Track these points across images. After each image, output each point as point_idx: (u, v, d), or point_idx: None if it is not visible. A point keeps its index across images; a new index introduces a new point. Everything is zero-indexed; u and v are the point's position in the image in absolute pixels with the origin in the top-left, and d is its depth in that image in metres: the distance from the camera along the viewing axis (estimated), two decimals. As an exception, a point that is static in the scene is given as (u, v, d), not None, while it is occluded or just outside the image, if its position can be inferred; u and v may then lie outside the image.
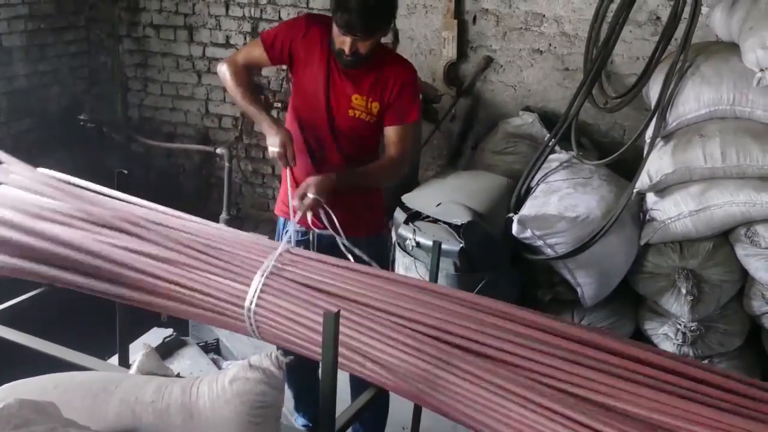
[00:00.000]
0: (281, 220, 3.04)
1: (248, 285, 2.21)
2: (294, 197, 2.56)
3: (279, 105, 5.17)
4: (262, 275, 2.21)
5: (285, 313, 2.18)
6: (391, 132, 2.81)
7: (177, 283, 2.32)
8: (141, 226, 2.46)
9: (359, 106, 2.76)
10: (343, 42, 2.60)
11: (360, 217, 2.82)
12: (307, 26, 2.79)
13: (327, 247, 2.66)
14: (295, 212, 2.57)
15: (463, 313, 2.10)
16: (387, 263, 3.19)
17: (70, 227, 2.47)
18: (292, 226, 2.58)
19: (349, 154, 2.82)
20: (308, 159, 2.86)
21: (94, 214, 2.51)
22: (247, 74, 2.89)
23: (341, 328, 2.00)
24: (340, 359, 2.00)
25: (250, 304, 2.19)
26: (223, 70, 2.87)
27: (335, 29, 2.60)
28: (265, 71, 5.22)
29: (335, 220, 2.50)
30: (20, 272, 2.58)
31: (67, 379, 1.87)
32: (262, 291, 2.19)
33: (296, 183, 2.71)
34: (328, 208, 2.53)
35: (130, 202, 2.66)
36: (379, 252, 3.01)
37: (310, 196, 2.53)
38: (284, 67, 5.11)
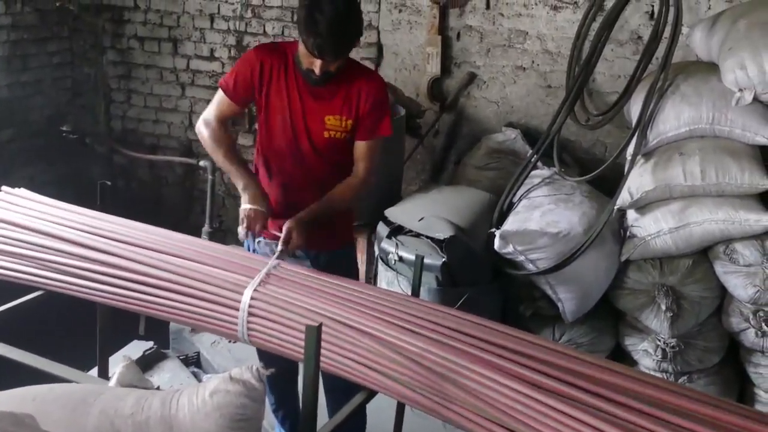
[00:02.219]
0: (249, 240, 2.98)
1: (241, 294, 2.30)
2: (280, 243, 2.56)
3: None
4: (252, 288, 2.30)
5: (276, 318, 2.26)
6: (360, 146, 2.78)
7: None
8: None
9: (333, 126, 2.74)
10: (312, 63, 2.57)
11: (332, 231, 2.86)
12: (261, 57, 2.74)
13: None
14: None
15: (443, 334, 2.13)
16: (356, 271, 3.24)
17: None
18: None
19: (331, 171, 2.80)
20: (289, 181, 2.84)
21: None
22: (224, 129, 2.83)
23: (332, 331, 2.05)
24: (329, 361, 2.06)
25: (245, 306, 2.28)
26: (201, 131, 2.82)
27: (302, 50, 2.58)
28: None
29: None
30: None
31: (46, 391, 1.86)
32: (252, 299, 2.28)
33: (275, 209, 2.73)
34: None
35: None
36: (351, 262, 3.12)
37: (295, 241, 2.57)
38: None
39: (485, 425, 1.94)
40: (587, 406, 1.86)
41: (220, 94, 2.83)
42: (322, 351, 2.07)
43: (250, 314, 2.29)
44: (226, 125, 2.85)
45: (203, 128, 2.81)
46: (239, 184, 2.69)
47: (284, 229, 2.57)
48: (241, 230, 2.65)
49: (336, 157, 2.80)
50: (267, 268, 2.39)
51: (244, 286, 2.33)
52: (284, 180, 2.84)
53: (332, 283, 2.36)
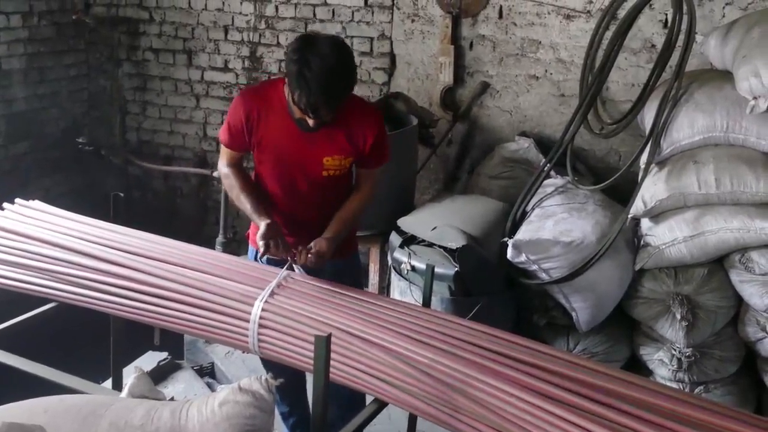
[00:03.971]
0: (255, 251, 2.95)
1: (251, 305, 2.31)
2: (301, 256, 2.57)
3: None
4: (262, 300, 2.32)
5: (286, 329, 2.28)
6: (365, 173, 2.84)
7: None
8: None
9: (332, 165, 2.72)
10: (304, 115, 2.52)
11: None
12: (246, 106, 2.69)
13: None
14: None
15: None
16: (362, 280, 3.33)
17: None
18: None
19: (329, 198, 2.82)
20: (288, 211, 2.85)
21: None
22: (236, 172, 2.82)
23: (341, 342, 2.05)
24: (339, 372, 2.06)
25: (255, 318, 2.29)
26: (224, 182, 2.86)
27: (293, 100, 2.50)
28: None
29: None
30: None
31: (57, 402, 1.87)
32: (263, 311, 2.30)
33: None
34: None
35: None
36: (357, 271, 3.17)
37: (322, 261, 2.60)
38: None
39: (496, 436, 1.93)
40: (600, 418, 1.85)
41: (222, 147, 2.85)
42: (332, 362, 2.07)
43: (260, 326, 2.30)
44: (239, 167, 2.85)
45: (224, 180, 2.86)
46: (253, 218, 2.70)
47: (315, 246, 2.59)
48: (261, 244, 2.59)
49: (334, 188, 2.82)
50: (277, 279, 2.40)
51: (254, 298, 2.34)
52: (282, 210, 2.84)
53: (342, 294, 2.36)
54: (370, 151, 2.74)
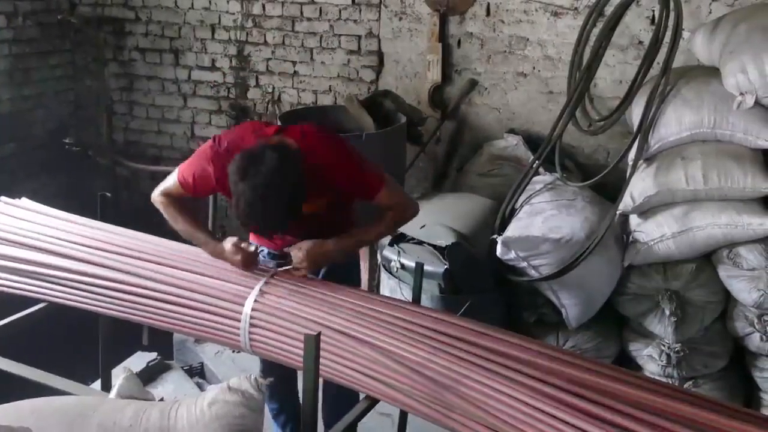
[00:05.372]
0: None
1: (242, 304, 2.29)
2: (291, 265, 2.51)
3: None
4: (253, 299, 2.32)
5: (277, 328, 2.28)
6: (376, 202, 2.60)
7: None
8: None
9: (310, 209, 2.49)
10: None
11: None
12: (216, 174, 2.54)
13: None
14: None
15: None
16: (358, 280, 3.22)
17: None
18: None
19: (319, 225, 2.62)
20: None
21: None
22: (180, 202, 2.70)
23: (332, 341, 2.04)
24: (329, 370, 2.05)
25: (246, 317, 2.28)
26: (164, 210, 2.68)
27: None
28: (250, 94, 5.25)
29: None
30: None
31: (45, 404, 1.86)
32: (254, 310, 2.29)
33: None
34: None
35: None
36: (353, 272, 3.08)
37: (303, 272, 2.48)
38: (269, 90, 5.21)
39: (487, 434, 1.93)
40: (590, 416, 1.85)
41: (177, 184, 2.66)
42: (323, 360, 2.07)
43: (251, 325, 2.30)
44: (180, 200, 2.71)
45: (164, 209, 2.68)
46: (207, 247, 2.59)
47: (295, 254, 2.49)
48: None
49: (321, 218, 2.63)
50: (266, 278, 2.39)
51: (245, 297, 2.34)
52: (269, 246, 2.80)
53: (332, 293, 2.35)
54: (349, 189, 2.57)
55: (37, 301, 2.74)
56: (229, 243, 2.51)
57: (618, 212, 3.56)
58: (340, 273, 2.74)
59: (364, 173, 2.56)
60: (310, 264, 2.48)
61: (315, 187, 2.44)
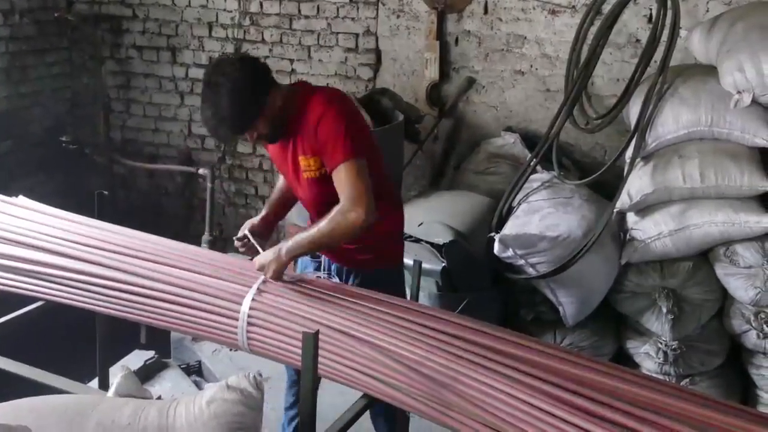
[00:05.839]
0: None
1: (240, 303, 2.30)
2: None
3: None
4: (250, 297, 2.32)
5: (275, 327, 2.28)
6: (333, 179, 2.50)
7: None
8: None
9: (307, 167, 2.58)
10: None
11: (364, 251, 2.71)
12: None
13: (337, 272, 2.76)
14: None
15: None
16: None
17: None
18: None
19: (325, 204, 2.57)
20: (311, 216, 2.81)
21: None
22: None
23: (330, 339, 2.05)
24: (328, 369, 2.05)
25: (244, 316, 2.28)
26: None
27: None
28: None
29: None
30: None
31: (43, 402, 1.85)
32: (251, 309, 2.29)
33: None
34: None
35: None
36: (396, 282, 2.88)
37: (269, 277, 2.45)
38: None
39: (484, 432, 1.93)
40: (587, 413, 1.85)
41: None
42: (322, 359, 2.07)
43: (249, 324, 2.30)
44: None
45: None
46: None
47: (257, 262, 2.47)
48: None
49: (326, 197, 2.58)
50: (264, 277, 2.39)
51: (242, 296, 2.33)
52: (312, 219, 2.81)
53: (330, 291, 2.35)
54: (322, 146, 2.49)
55: (34, 299, 2.74)
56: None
57: (615, 210, 3.56)
58: (382, 283, 2.62)
59: (340, 137, 2.46)
60: (268, 273, 2.43)
61: (307, 139, 2.51)
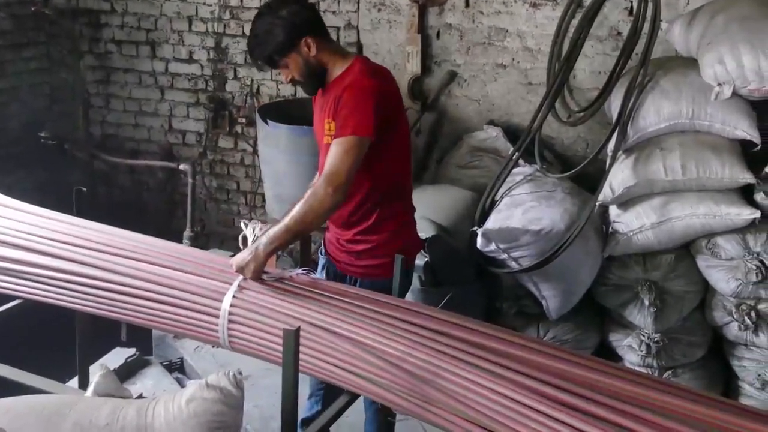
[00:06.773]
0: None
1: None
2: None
3: (243, 121, 5.15)
4: (231, 295, 2.29)
5: (256, 324, 2.25)
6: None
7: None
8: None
9: (328, 130, 2.58)
10: None
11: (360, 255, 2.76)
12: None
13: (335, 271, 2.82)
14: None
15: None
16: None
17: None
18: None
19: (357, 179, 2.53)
20: None
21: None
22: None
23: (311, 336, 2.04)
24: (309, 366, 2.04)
25: (225, 313, 2.25)
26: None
27: None
28: (229, 86, 5.21)
29: None
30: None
31: (20, 402, 1.83)
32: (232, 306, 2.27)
33: None
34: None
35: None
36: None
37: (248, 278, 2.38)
38: (248, 82, 5.16)
39: (466, 427, 1.92)
40: (569, 407, 1.85)
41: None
42: (303, 356, 2.06)
43: (230, 321, 2.27)
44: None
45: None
46: None
47: (234, 263, 2.40)
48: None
49: None
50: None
51: (223, 293, 2.31)
52: None
53: (311, 288, 2.34)
54: (339, 113, 2.49)
55: (11, 298, 2.70)
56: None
57: (597, 203, 3.57)
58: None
59: (358, 110, 2.46)
60: (246, 274, 2.36)
61: (336, 102, 2.53)
